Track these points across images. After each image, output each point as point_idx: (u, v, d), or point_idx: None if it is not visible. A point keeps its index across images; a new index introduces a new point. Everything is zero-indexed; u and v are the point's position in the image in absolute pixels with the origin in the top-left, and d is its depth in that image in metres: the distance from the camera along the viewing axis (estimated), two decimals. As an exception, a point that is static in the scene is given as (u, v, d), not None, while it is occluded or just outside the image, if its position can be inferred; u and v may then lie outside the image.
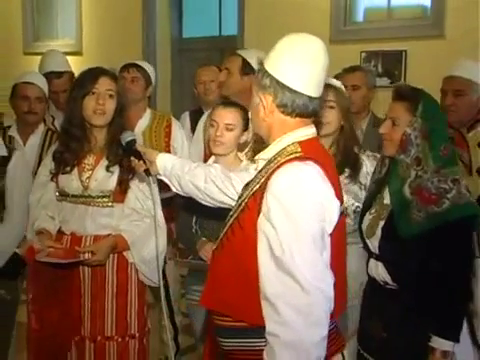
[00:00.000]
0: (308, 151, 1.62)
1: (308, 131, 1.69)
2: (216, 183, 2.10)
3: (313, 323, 1.49)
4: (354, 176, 2.51)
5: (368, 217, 2.27)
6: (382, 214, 2.21)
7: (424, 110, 2.12)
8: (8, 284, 2.63)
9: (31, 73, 3.43)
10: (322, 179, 1.58)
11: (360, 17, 4.84)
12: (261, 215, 1.57)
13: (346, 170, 2.52)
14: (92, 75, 2.49)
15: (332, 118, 2.52)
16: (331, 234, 1.60)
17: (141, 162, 2.16)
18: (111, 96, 2.48)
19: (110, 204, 2.51)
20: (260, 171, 1.68)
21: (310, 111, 1.68)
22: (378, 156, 2.46)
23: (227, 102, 2.86)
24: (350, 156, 2.54)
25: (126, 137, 2.29)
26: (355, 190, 2.51)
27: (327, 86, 2.56)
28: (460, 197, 2.08)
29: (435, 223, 2.06)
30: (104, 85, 2.46)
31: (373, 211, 2.25)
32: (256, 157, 1.79)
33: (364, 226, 2.28)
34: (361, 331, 2.36)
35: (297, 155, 1.61)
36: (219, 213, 2.54)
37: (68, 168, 2.52)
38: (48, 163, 2.59)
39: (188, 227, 2.68)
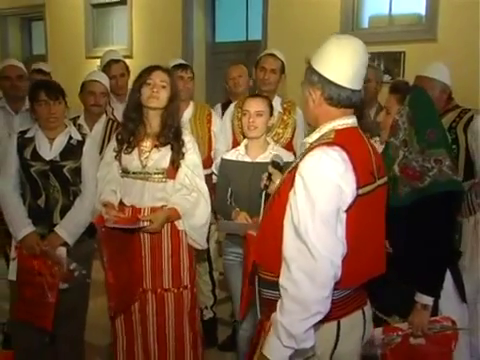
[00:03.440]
0: (340, 138, 1.59)
1: (347, 121, 1.66)
2: None
3: (316, 284, 1.48)
4: None
5: None
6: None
7: (411, 100, 2.09)
8: (83, 264, 2.67)
9: (96, 72, 3.45)
10: (344, 163, 1.54)
11: (365, 23, 4.74)
12: (292, 189, 1.56)
13: None
14: (148, 69, 2.50)
15: None
16: (349, 211, 1.56)
17: (267, 180, 2.15)
18: (164, 87, 2.47)
19: (164, 180, 2.51)
20: (303, 153, 1.66)
21: (353, 102, 1.64)
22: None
23: (254, 95, 2.87)
24: None
25: (275, 158, 2.26)
26: None
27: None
28: (441, 175, 2.04)
29: (418, 196, 2.03)
30: (158, 77, 2.47)
31: None
32: (303, 140, 1.76)
33: None
34: (366, 285, 2.36)
35: (327, 141, 1.58)
36: (248, 188, 2.57)
37: (129, 149, 2.53)
38: (112, 145, 2.61)
39: (224, 200, 2.69)
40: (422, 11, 4.33)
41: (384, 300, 2.17)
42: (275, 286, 1.58)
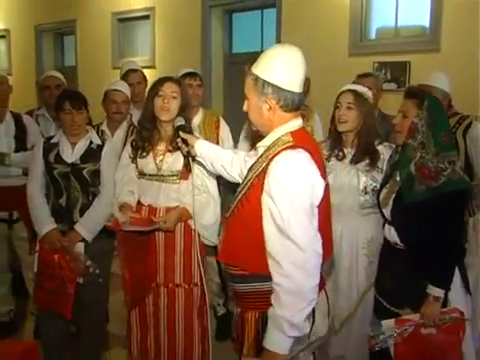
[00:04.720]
0: (298, 140, 1.64)
1: (296, 123, 1.71)
2: (239, 167, 2.12)
3: (308, 274, 1.54)
4: (372, 164, 2.44)
5: (384, 191, 2.26)
6: (394, 189, 2.19)
7: (429, 105, 2.10)
8: (101, 260, 2.72)
9: (118, 82, 3.49)
10: (310, 163, 1.60)
11: (373, 35, 4.70)
12: (264, 193, 1.59)
13: (366, 159, 2.46)
14: (160, 81, 2.51)
15: (350, 117, 2.45)
16: (319, 206, 1.63)
17: (184, 145, 2.20)
18: (174, 97, 2.47)
19: (178, 181, 2.52)
20: (261, 156, 1.69)
21: (300, 104, 1.71)
22: (393, 146, 2.41)
23: None
24: (369, 148, 2.46)
25: (177, 122, 2.32)
26: (374, 174, 2.44)
27: (349, 90, 2.51)
28: (454, 175, 2.06)
29: (432, 194, 2.05)
30: (169, 88, 2.47)
31: (388, 186, 2.25)
32: (257, 145, 1.79)
33: (381, 198, 2.27)
34: (377, 281, 2.38)
35: (290, 144, 1.62)
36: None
37: (144, 153, 2.54)
38: (127, 150, 2.63)
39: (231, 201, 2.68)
40: (426, 23, 4.28)
41: (395, 294, 2.20)
42: (242, 278, 1.65)
